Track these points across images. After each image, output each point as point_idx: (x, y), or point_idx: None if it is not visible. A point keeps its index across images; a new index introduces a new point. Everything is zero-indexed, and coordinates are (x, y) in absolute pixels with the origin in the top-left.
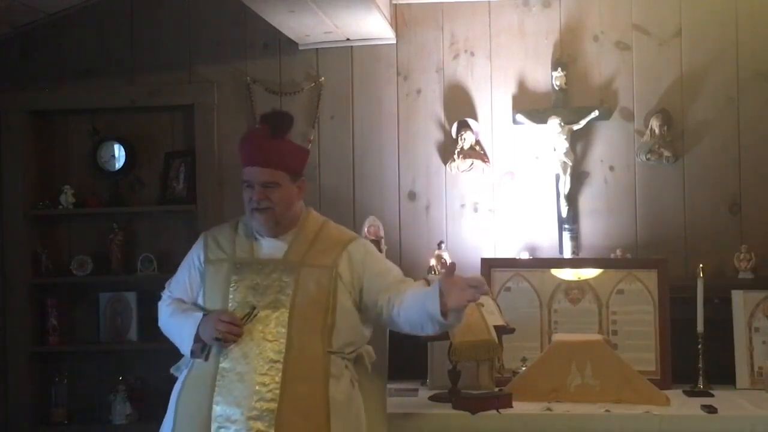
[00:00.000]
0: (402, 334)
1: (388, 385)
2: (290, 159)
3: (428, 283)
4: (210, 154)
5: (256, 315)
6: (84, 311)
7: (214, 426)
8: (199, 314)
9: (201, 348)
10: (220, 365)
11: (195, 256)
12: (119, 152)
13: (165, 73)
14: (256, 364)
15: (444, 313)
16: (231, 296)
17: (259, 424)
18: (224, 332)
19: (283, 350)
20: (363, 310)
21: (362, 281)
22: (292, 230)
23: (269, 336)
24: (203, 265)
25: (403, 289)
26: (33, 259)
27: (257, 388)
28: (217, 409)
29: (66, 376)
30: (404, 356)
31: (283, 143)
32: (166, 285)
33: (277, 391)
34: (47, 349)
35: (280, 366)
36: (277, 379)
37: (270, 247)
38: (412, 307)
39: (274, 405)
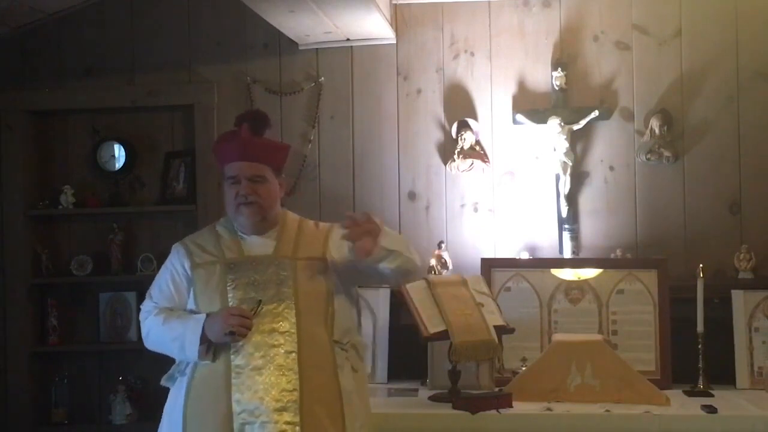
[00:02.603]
0: (402, 333)
1: (388, 385)
2: (273, 154)
3: (428, 282)
4: (210, 154)
5: (262, 308)
6: (84, 311)
7: (236, 423)
8: (202, 315)
9: (206, 349)
10: (233, 363)
11: (177, 264)
12: (119, 152)
13: (165, 73)
14: (273, 356)
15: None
16: (230, 295)
17: (285, 415)
18: (237, 326)
19: (296, 340)
20: (364, 278)
21: (345, 253)
22: (275, 228)
23: (280, 328)
24: (190, 271)
25: None
26: (33, 259)
27: (277, 379)
28: (238, 406)
29: (66, 376)
30: (404, 356)
31: (264, 139)
32: (147, 296)
33: (297, 382)
34: (47, 349)
35: (295, 356)
36: (296, 369)
37: (257, 245)
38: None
39: (296, 395)
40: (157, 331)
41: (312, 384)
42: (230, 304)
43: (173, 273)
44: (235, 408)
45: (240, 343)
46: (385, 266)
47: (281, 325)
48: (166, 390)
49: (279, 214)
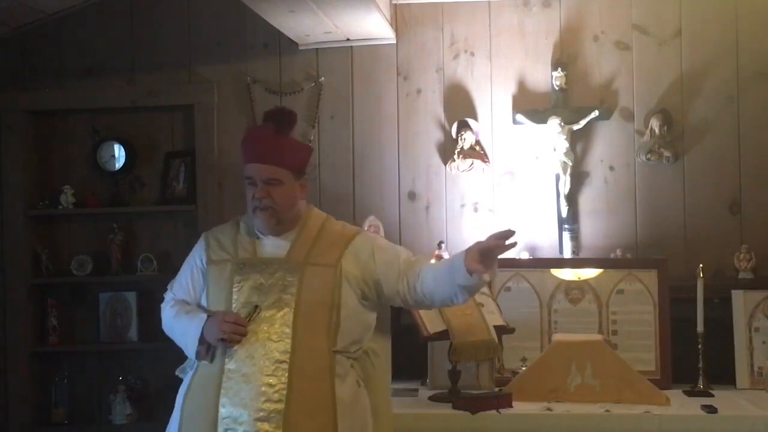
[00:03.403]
0: (402, 333)
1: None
2: (293, 156)
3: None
4: (210, 154)
5: (259, 314)
6: (84, 311)
7: (221, 428)
8: (203, 315)
9: (206, 349)
10: (226, 366)
11: (197, 256)
12: (119, 152)
13: (165, 73)
14: (262, 365)
15: (470, 272)
16: (234, 297)
17: (266, 425)
18: (229, 333)
19: (289, 350)
20: (384, 301)
21: (376, 275)
22: (294, 229)
23: (274, 336)
24: (205, 266)
25: (418, 268)
26: (33, 259)
27: (264, 388)
28: (224, 411)
29: (66, 376)
30: (404, 356)
31: (286, 140)
32: (168, 287)
33: (284, 392)
34: (47, 349)
35: (286, 366)
36: (284, 379)
37: (272, 246)
38: (438, 283)
39: (281, 406)
40: (168, 324)
41: (302, 395)
42: (233, 306)
43: (193, 267)
44: (221, 413)
45: (234, 348)
46: (461, 294)
47: (277, 332)
48: (166, 390)
49: (302, 213)
